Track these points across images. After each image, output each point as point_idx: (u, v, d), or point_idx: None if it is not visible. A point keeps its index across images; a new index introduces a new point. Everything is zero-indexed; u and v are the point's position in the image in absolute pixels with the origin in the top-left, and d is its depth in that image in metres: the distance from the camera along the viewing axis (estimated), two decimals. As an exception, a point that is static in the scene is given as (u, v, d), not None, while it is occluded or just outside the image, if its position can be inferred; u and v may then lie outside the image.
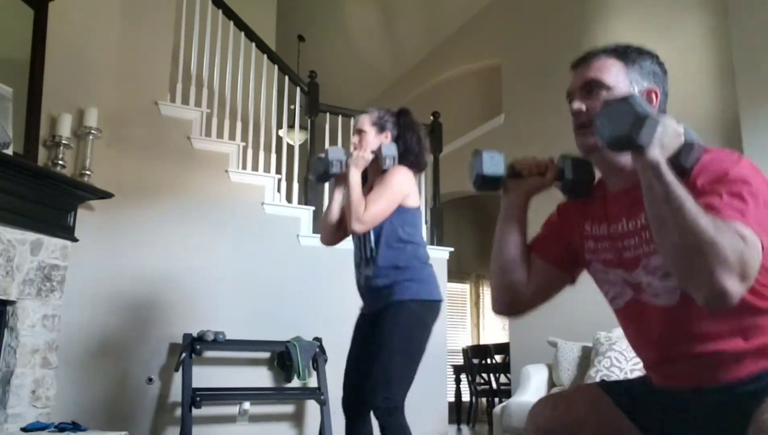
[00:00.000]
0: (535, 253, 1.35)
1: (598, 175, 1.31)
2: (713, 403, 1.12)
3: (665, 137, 1.06)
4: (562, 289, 1.37)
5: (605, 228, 1.25)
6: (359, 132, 2.34)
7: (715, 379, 1.13)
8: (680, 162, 1.09)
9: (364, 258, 2.26)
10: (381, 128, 2.34)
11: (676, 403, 1.19)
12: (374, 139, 2.32)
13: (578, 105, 1.22)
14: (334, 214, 2.36)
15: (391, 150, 2.26)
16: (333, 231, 2.39)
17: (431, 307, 2.21)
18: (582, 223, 1.31)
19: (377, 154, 2.28)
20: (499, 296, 1.36)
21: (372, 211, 2.18)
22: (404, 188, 2.24)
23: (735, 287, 0.94)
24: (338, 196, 2.36)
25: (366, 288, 2.26)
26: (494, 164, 1.28)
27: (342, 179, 2.33)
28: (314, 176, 2.44)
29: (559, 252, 1.34)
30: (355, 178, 2.24)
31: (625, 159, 1.15)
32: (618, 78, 1.20)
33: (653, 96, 1.21)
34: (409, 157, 2.31)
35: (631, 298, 1.22)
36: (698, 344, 1.13)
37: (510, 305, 1.36)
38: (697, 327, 1.13)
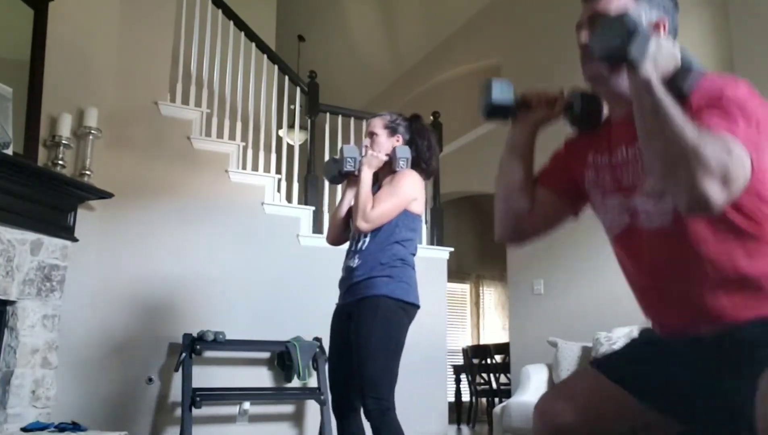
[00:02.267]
0: (540, 184, 1.38)
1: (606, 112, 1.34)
2: (711, 352, 1.12)
3: (659, 55, 1.08)
4: (564, 220, 1.40)
5: (607, 157, 1.27)
6: (371, 134, 2.36)
7: (711, 318, 1.12)
8: (677, 85, 1.10)
9: (353, 250, 2.29)
10: (393, 131, 2.35)
11: (672, 357, 1.18)
12: (386, 142, 2.33)
13: (585, 37, 1.24)
14: (343, 212, 2.39)
15: (405, 152, 2.28)
16: (340, 230, 2.41)
17: (405, 308, 2.20)
18: (586, 154, 1.33)
19: (391, 156, 2.30)
20: (503, 222, 1.40)
21: (378, 210, 2.21)
22: (413, 192, 2.27)
23: (716, 192, 0.96)
24: (349, 195, 2.38)
25: (345, 279, 2.29)
26: (503, 92, 1.31)
27: (353, 180, 2.35)
28: (327, 177, 2.46)
29: (563, 183, 1.37)
30: (366, 176, 2.27)
31: (627, 86, 1.17)
32: (626, 8, 1.20)
33: (661, 27, 1.22)
34: (420, 164, 2.33)
35: (627, 224, 1.23)
36: (692, 270, 1.14)
37: (513, 231, 1.39)
38: (689, 249, 1.13)
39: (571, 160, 1.37)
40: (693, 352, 1.16)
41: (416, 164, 2.33)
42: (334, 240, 2.45)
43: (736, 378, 1.05)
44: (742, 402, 1.01)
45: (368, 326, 2.14)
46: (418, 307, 2.24)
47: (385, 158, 2.31)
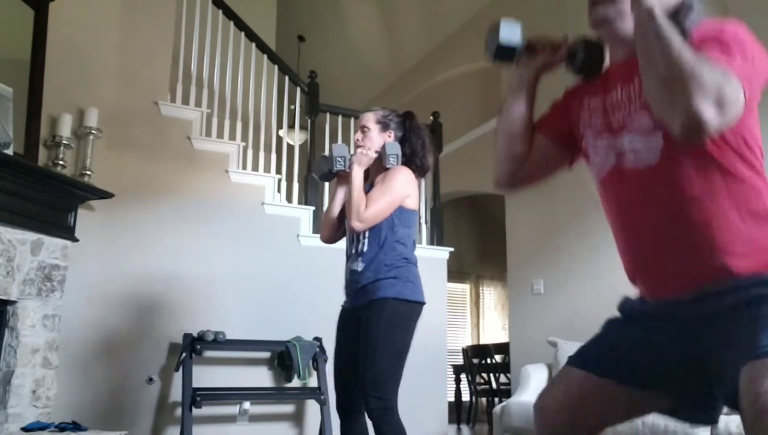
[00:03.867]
0: (538, 130, 1.40)
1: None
2: (695, 319, 1.11)
3: None
4: (559, 169, 1.42)
5: (601, 99, 1.28)
6: (362, 128, 2.35)
7: (696, 278, 1.11)
8: (679, 21, 1.13)
9: (354, 252, 2.27)
10: (384, 126, 2.35)
11: (656, 331, 1.17)
12: (377, 137, 2.33)
13: None
14: (335, 211, 2.39)
15: (395, 149, 2.27)
16: (333, 229, 2.41)
17: (413, 308, 2.21)
18: (582, 99, 1.35)
19: (381, 153, 2.29)
20: (500, 166, 1.41)
21: (372, 209, 2.19)
22: (406, 189, 2.25)
23: (710, 114, 0.98)
24: (340, 193, 2.39)
25: (351, 282, 2.27)
26: (512, 33, 1.33)
27: (344, 177, 2.35)
28: (317, 175, 2.46)
29: (560, 129, 1.38)
30: (358, 175, 2.26)
31: (630, 29, 1.18)
32: None
33: None
34: (414, 161, 2.33)
35: (613, 165, 1.23)
36: (676, 213, 1.13)
37: (509, 176, 1.41)
38: (674, 188, 1.13)
39: (569, 107, 1.38)
40: (677, 322, 1.15)
41: (411, 162, 2.32)
42: (328, 239, 2.45)
43: (722, 348, 1.05)
44: (727, 371, 1.02)
45: (376, 328, 2.13)
46: (424, 304, 2.24)
47: (375, 155, 2.30)
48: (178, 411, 3.47)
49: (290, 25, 6.84)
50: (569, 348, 3.86)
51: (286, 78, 4.49)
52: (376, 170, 2.33)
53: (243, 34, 4.36)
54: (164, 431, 3.52)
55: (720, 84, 0.99)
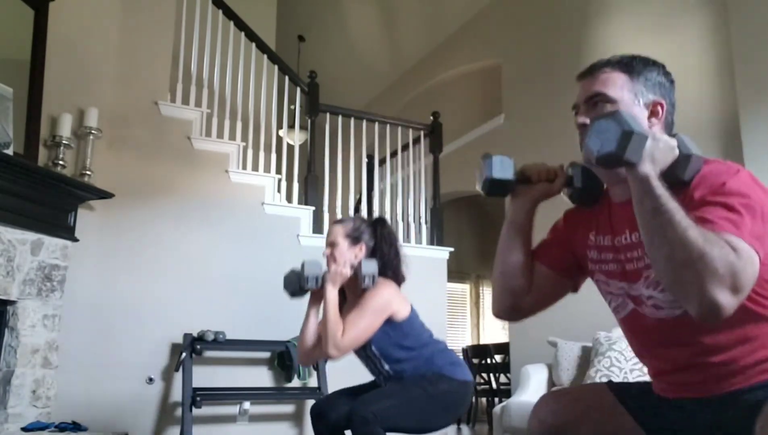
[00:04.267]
0: (538, 259, 1.35)
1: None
2: (718, 410, 1.12)
3: (656, 151, 1.06)
4: (563, 296, 1.37)
5: (609, 239, 1.24)
6: (331, 244, 2.20)
7: (720, 389, 1.11)
8: (677, 174, 1.09)
9: (383, 377, 2.17)
10: (355, 240, 2.20)
11: (682, 410, 1.19)
12: (348, 252, 2.18)
13: (583, 119, 1.21)
14: (310, 336, 2.20)
15: (371, 268, 2.09)
16: (310, 352, 2.23)
17: (463, 386, 2.13)
18: (587, 232, 1.30)
19: (356, 271, 2.14)
20: (500, 300, 1.36)
21: (350, 335, 2.03)
22: (388, 308, 2.10)
23: (726, 300, 0.93)
24: (313, 315, 2.22)
25: None
26: (504, 168, 1.27)
27: (317, 296, 2.20)
28: (288, 291, 2.25)
29: (562, 259, 1.34)
30: (332, 296, 2.09)
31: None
32: (623, 91, 1.18)
33: (659, 108, 1.20)
34: (386, 272, 2.18)
35: (632, 310, 1.21)
36: (702, 355, 1.12)
37: (510, 309, 1.36)
38: (699, 338, 1.11)
39: (572, 236, 1.34)
40: (697, 409, 1.16)
41: (383, 273, 2.16)
42: (306, 362, 2.27)
43: (738, 432, 1.04)
44: None
45: (419, 380, 2.05)
46: (470, 382, 2.17)
47: (349, 273, 2.14)
48: (178, 411, 3.47)
49: (290, 25, 6.84)
50: (569, 348, 3.86)
51: (286, 78, 4.49)
52: (352, 286, 2.18)
53: (243, 34, 4.36)
54: (164, 431, 3.52)
55: (732, 264, 0.93)
